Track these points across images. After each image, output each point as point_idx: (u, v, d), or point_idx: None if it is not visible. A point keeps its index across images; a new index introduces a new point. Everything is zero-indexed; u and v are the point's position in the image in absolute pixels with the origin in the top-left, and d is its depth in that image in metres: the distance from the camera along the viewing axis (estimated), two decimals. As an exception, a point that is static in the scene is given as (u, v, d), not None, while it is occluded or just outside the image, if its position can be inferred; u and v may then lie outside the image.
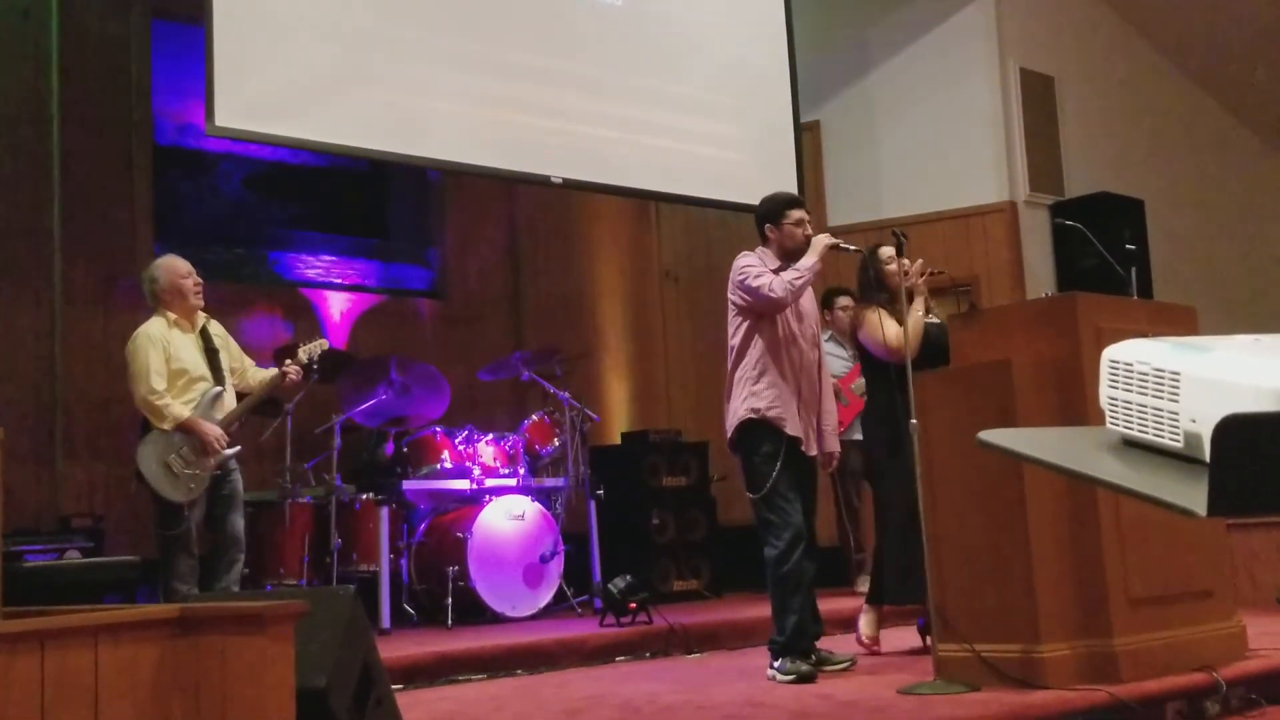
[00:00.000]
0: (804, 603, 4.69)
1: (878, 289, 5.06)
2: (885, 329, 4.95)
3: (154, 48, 7.31)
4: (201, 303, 5.45)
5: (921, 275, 5.04)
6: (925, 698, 3.94)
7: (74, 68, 6.94)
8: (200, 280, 5.45)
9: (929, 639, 4.62)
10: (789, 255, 4.81)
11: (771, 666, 4.64)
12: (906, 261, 5.02)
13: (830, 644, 4.98)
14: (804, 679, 4.50)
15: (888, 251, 5.15)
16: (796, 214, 4.88)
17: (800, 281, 4.71)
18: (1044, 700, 3.75)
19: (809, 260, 4.74)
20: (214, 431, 5.26)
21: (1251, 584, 6.40)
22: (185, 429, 5.21)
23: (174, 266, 5.44)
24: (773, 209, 4.93)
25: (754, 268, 4.78)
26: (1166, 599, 4.16)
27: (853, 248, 4.98)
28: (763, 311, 4.76)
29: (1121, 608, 4.02)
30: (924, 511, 4.26)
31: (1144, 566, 4.09)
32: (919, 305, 5.02)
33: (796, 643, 4.62)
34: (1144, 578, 4.09)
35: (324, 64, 6.33)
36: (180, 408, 5.23)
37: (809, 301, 4.95)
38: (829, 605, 5.34)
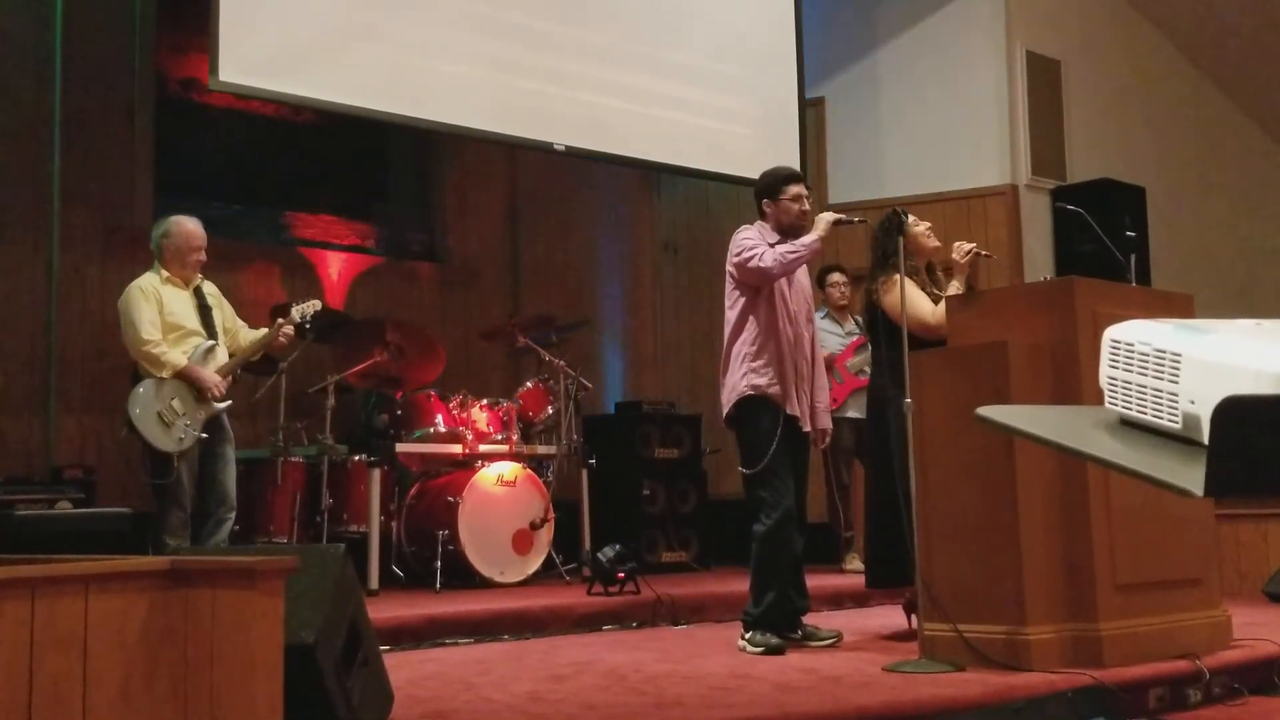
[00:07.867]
0: (787, 579, 4.72)
1: (907, 256, 4.73)
2: (923, 304, 4.80)
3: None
4: (198, 270, 5.47)
5: (965, 256, 4.92)
6: (909, 675, 3.96)
7: (76, 17, 6.88)
8: (205, 256, 5.45)
9: (914, 618, 4.64)
10: (785, 231, 4.81)
11: (742, 638, 4.69)
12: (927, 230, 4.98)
13: (816, 619, 5.02)
14: (773, 651, 4.54)
15: (924, 221, 5.04)
16: (795, 189, 4.86)
17: (793, 256, 4.69)
18: (1027, 682, 3.77)
19: (810, 237, 4.73)
20: (212, 378, 5.26)
21: (1238, 575, 6.44)
22: (183, 376, 5.22)
23: (190, 233, 5.43)
24: (771, 183, 4.91)
25: (750, 240, 4.77)
26: (1153, 586, 4.18)
27: (856, 219, 4.98)
28: (751, 283, 4.75)
29: (1108, 593, 4.04)
30: (915, 491, 4.27)
31: (1132, 553, 4.11)
32: (958, 284, 4.96)
33: (768, 618, 4.66)
34: (1131, 564, 4.11)
35: (328, 23, 6.30)
36: (178, 355, 5.24)
37: (803, 277, 4.94)
38: (816, 582, 5.35)
